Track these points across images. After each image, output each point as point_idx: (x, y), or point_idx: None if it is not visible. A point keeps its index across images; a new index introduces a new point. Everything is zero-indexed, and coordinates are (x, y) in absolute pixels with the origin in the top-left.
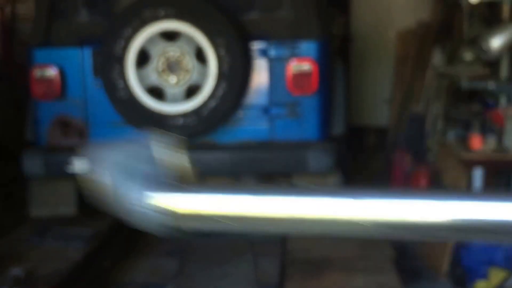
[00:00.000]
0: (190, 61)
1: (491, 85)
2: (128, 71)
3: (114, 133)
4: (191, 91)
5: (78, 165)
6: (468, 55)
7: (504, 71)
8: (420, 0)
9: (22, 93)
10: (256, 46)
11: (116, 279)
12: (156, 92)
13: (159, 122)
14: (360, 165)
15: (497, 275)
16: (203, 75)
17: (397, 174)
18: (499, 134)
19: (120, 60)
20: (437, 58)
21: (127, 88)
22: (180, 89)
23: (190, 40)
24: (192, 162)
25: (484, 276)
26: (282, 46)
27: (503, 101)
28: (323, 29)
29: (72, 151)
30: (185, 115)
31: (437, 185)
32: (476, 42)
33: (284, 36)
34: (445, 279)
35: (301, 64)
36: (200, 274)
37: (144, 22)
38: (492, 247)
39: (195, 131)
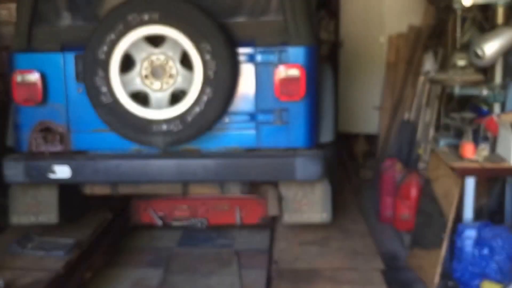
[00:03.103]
0: (175, 66)
1: (484, 91)
2: (112, 76)
3: (96, 139)
4: (176, 97)
5: (60, 171)
6: (460, 61)
7: (497, 77)
8: (411, 4)
9: (4, 98)
10: (243, 51)
11: None
12: (140, 98)
13: (143, 128)
14: (349, 174)
15: None
16: (188, 80)
17: (386, 182)
18: (492, 142)
19: (103, 65)
20: (429, 63)
21: (110, 93)
22: (165, 95)
23: (175, 45)
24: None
25: None
26: (269, 51)
27: (496, 108)
28: (312, 35)
29: (54, 157)
30: (169, 121)
31: (428, 194)
32: (469, 48)
33: (272, 41)
34: None
35: (289, 70)
36: (183, 285)
37: (128, 27)
38: (485, 260)
39: (180, 137)
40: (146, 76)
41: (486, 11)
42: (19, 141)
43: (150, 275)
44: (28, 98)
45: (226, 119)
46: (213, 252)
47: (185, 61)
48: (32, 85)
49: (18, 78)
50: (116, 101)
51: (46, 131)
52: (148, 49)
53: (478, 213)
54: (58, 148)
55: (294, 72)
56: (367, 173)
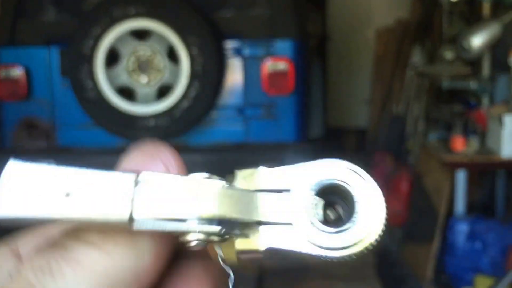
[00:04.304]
0: (161, 61)
1: (473, 84)
2: (97, 71)
3: (82, 135)
4: (163, 92)
5: None
6: (448, 54)
7: (485, 70)
8: None
9: None
10: (230, 45)
11: None
12: (127, 93)
13: (130, 123)
14: None
15: (483, 282)
16: (175, 75)
17: (377, 177)
18: (482, 135)
19: (88, 59)
20: (417, 57)
21: (96, 88)
22: (152, 90)
23: (161, 39)
24: None
25: (470, 283)
26: (257, 45)
27: (485, 101)
28: (300, 27)
29: (38, 153)
30: (156, 116)
31: (419, 189)
32: (456, 41)
33: (259, 34)
34: (429, 285)
35: (277, 63)
36: None
37: (114, 21)
38: (478, 254)
39: (167, 132)
40: (132, 71)
41: (472, 4)
42: (3, 138)
43: None
44: (12, 93)
45: (214, 114)
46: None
47: (172, 55)
48: (16, 80)
49: (2, 73)
50: (101, 96)
51: (31, 127)
52: (134, 43)
53: (470, 207)
54: (43, 144)
55: (283, 66)
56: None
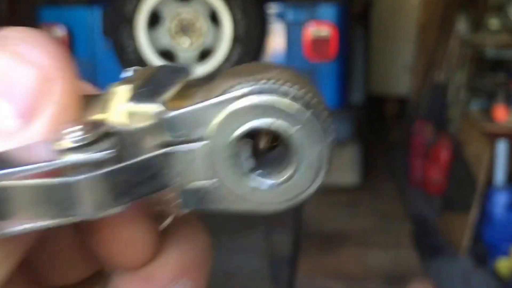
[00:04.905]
0: (204, 24)
1: None
2: (139, 32)
3: None
4: (205, 55)
5: None
6: (494, 23)
7: None
8: None
9: None
10: (273, 8)
11: None
12: (168, 56)
13: None
14: (379, 136)
15: None
16: (218, 38)
17: (417, 145)
18: None
19: (130, 20)
20: (461, 25)
21: (137, 50)
22: (193, 53)
23: (204, 1)
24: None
25: (506, 253)
26: (300, 9)
27: None
28: None
29: None
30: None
31: (459, 158)
32: (502, 9)
33: None
34: (465, 255)
35: (320, 28)
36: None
37: None
38: None
39: None
40: (174, 33)
41: None
42: None
43: None
44: None
45: None
46: (238, 214)
47: (215, 18)
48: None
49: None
50: (142, 58)
51: None
52: (177, 5)
53: (510, 177)
54: None
55: (326, 31)
56: (397, 135)
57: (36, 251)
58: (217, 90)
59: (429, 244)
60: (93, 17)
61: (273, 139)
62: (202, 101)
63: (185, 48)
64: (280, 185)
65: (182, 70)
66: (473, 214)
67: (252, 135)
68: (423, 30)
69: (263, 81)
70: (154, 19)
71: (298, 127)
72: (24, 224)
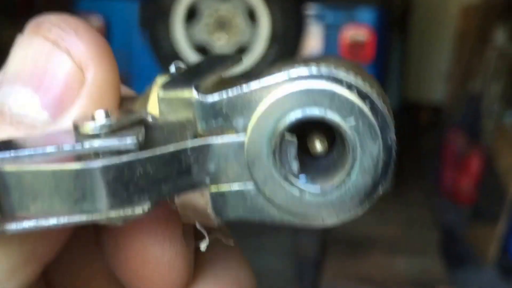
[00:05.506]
0: (242, 21)
1: None
2: (176, 27)
3: None
4: (241, 53)
5: None
6: None
7: None
8: None
9: None
10: (311, 9)
11: None
12: (204, 51)
13: None
14: (412, 143)
15: None
16: (256, 36)
17: (448, 154)
18: None
19: (167, 14)
20: (499, 36)
21: (173, 44)
22: (230, 50)
23: None
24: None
25: None
26: (339, 11)
27: None
28: None
29: None
30: None
31: (490, 169)
32: None
33: (341, 0)
34: (492, 267)
35: (358, 31)
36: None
37: None
38: None
39: None
40: (212, 29)
41: None
42: None
43: None
44: None
45: None
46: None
47: (253, 16)
48: (96, 29)
49: None
50: (178, 52)
51: None
52: (215, 1)
53: None
54: None
55: (364, 34)
56: (430, 143)
57: (61, 275)
58: (263, 74)
59: (456, 254)
60: (131, 9)
61: (328, 143)
62: (243, 84)
63: (221, 44)
64: (329, 193)
65: (229, 59)
66: (502, 226)
67: (303, 136)
68: (460, 39)
69: (317, 65)
70: (192, 14)
71: (352, 121)
72: (37, 220)
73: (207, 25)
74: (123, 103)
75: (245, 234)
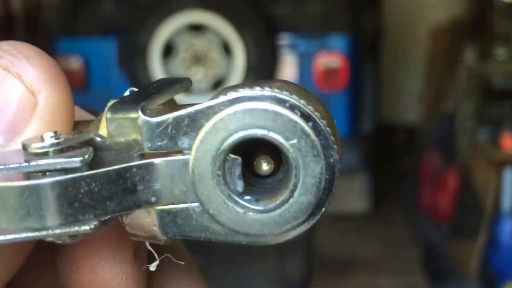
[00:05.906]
0: (218, 54)
1: None
2: (153, 63)
3: None
4: (218, 85)
5: None
6: (500, 53)
7: None
8: None
9: None
10: (285, 39)
11: None
12: None
13: None
14: (389, 164)
15: None
16: (231, 68)
17: (425, 173)
18: None
19: (145, 51)
20: (469, 56)
21: (151, 80)
22: (207, 83)
23: (217, 32)
24: None
25: None
26: (311, 39)
27: None
28: (354, 23)
29: None
30: None
31: (467, 186)
32: (509, 40)
33: (314, 29)
34: (473, 281)
35: (331, 58)
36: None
37: (171, 12)
38: None
39: None
40: (188, 64)
41: None
42: None
43: None
44: (70, 83)
45: None
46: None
47: (228, 49)
48: (74, 70)
49: (60, 62)
50: None
51: None
52: (190, 35)
53: None
54: None
55: (337, 61)
56: (406, 163)
57: None
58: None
59: (438, 269)
60: (109, 48)
61: (276, 163)
62: (187, 107)
63: (199, 78)
64: (272, 211)
65: (179, 82)
66: (481, 240)
67: (253, 156)
68: (431, 61)
69: (261, 87)
70: (168, 50)
71: (294, 141)
72: None
73: (183, 60)
74: (78, 126)
75: (231, 261)
